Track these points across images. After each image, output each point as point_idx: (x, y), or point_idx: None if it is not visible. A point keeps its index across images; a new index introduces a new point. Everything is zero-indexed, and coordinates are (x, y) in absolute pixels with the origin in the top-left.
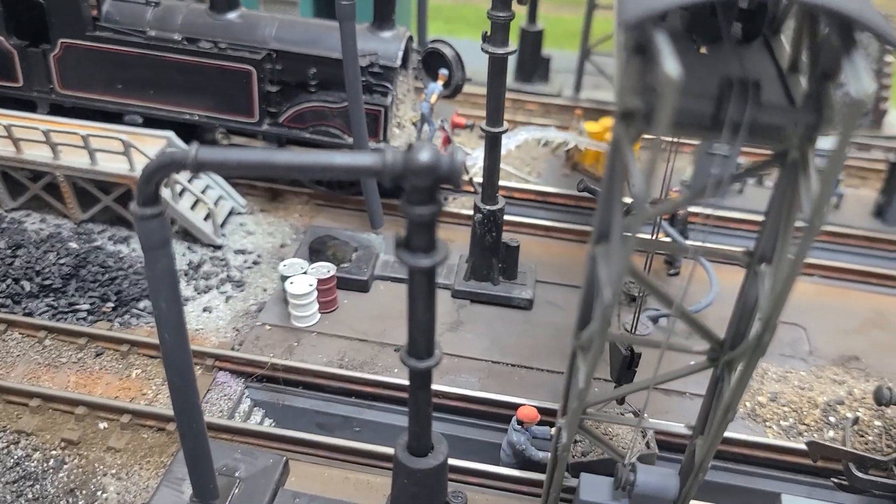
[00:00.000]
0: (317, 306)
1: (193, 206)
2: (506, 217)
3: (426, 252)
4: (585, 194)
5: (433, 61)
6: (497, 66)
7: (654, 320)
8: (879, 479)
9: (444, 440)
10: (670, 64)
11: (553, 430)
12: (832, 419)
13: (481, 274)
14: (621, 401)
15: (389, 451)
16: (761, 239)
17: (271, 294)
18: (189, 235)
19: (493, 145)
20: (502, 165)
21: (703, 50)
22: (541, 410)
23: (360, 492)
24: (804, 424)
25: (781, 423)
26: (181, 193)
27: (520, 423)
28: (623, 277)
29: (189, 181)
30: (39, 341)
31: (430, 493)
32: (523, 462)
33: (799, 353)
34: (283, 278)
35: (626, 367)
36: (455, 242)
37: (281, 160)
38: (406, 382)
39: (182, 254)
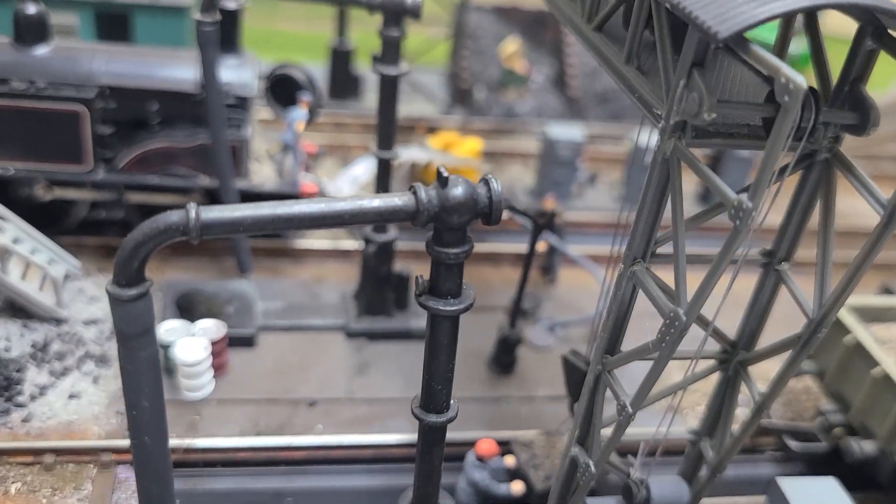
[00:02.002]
0: (212, 373)
1: (24, 275)
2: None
3: (455, 297)
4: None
5: (281, 88)
6: (388, 88)
7: (552, 329)
8: (811, 446)
9: (449, 496)
10: (796, 74)
11: (507, 458)
12: (740, 397)
13: (376, 308)
14: None
15: None
16: (782, 238)
17: None
18: (21, 311)
19: (385, 171)
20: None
21: None
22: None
23: None
24: None
25: (697, 408)
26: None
27: (479, 459)
28: (705, 297)
29: (13, 241)
30: None
31: None
32: (485, 500)
33: (687, 343)
34: (165, 346)
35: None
36: (330, 280)
37: (303, 212)
38: (339, 440)
39: (20, 335)
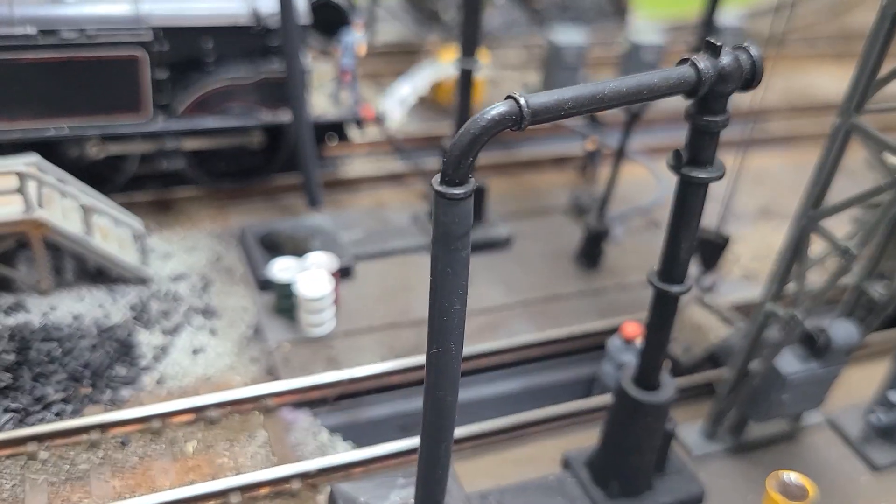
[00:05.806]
0: (334, 307)
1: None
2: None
3: (710, 165)
4: None
5: (319, 16)
6: None
7: (622, 223)
8: None
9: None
10: None
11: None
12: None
13: None
14: (709, 290)
15: (523, 418)
16: None
17: (258, 310)
18: (100, 277)
19: (466, 81)
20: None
21: None
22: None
23: (529, 466)
24: None
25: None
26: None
27: (626, 341)
28: None
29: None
30: (31, 457)
31: (658, 426)
32: None
33: (737, 217)
34: (281, 286)
35: (720, 252)
36: (392, 204)
37: (611, 89)
38: (482, 348)
39: (112, 300)
